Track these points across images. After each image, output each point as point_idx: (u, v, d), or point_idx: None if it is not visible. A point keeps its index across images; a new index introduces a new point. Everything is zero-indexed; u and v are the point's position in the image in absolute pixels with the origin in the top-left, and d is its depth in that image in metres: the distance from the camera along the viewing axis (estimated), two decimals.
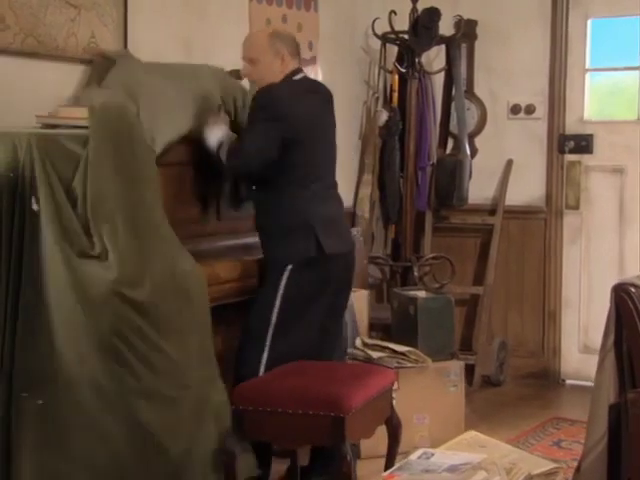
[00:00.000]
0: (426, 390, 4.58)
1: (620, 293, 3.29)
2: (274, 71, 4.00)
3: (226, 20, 4.95)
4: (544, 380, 5.98)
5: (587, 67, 5.88)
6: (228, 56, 4.93)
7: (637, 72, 5.74)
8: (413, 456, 3.22)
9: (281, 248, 3.94)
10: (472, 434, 3.44)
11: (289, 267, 3.89)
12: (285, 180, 3.94)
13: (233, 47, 4.96)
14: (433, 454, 3.22)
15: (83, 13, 4.15)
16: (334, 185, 4.16)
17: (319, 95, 4.14)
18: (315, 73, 5.68)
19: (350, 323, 4.87)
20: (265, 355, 3.88)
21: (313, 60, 5.67)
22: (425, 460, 3.19)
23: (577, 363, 5.96)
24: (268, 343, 3.89)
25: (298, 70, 4.08)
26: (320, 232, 3.91)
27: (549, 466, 3.15)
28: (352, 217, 6.01)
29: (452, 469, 3.09)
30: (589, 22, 5.85)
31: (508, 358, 5.95)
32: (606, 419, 3.33)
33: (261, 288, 4.02)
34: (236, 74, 4.79)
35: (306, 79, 4.17)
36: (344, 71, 5.96)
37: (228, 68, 4.80)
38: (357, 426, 3.47)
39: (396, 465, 3.19)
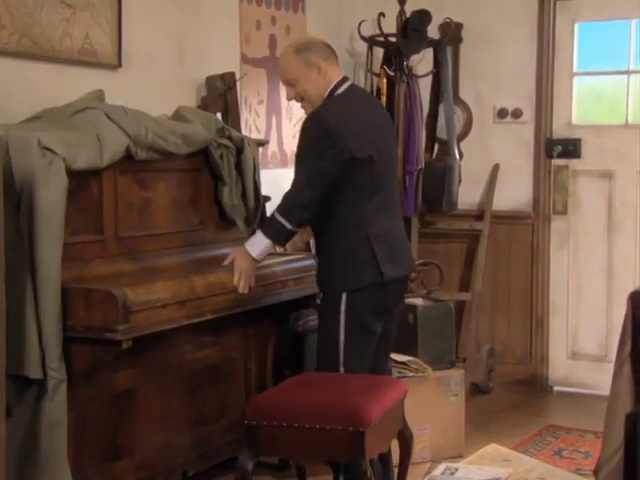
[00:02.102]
0: (427, 400, 4.47)
1: (637, 301, 3.23)
2: (316, 84, 3.66)
3: (218, 20, 4.86)
4: (532, 387, 5.92)
5: (574, 71, 5.83)
6: (220, 56, 4.87)
7: (625, 76, 5.71)
8: (436, 471, 3.15)
9: (337, 275, 3.66)
10: (493, 447, 3.38)
11: (345, 294, 3.62)
12: (344, 199, 3.62)
13: (225, 47, 4.92)
14: (457, 469, 3.15)
15: (78, 13, 4.02)
16: (396, 201, 3.85)
17: (369, 103, 3.85)
18: None
19: None
20: None
21: None
22: (449, 476, 3.13)
23: (565, 369, 5.91)
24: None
25: (343, 80, 3.73)
26: (380, 256, 3.62)
27: None
28: None
29: None
30: (576, 26, 5.80)
31: (496, 365, 5.88)
32: (622, 429, 3.26)
33: (321, 317, 3.76)
34: (230, 77, 4.69)
35: (353, 89, 3.78)
36: None
37: (220, 69, 4.72)
38: (375, 440, 3.35)
39: None
